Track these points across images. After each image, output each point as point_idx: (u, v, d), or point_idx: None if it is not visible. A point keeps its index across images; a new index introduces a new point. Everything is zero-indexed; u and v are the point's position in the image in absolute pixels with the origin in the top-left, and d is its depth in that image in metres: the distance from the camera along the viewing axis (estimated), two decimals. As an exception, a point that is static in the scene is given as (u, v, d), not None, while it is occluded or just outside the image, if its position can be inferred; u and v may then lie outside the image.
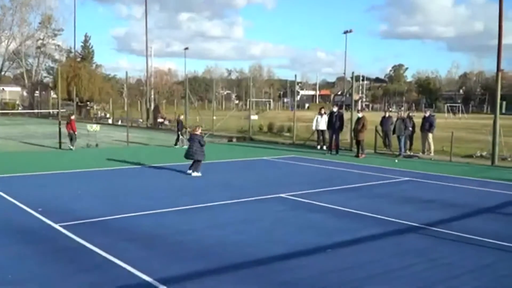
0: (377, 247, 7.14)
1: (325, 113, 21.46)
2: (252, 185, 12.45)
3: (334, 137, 19.78)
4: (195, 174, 13.52)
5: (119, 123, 38.91)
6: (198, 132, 13.99)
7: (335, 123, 19.63)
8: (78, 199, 10.11)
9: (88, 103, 50.76)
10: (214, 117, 29.11)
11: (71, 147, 19.92)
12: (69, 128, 20.07)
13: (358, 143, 18.86)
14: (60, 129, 20.95)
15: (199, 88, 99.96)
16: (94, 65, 66.61)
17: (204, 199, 10.16)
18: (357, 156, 18.62)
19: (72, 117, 20.80)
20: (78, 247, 6.85)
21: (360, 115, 19.13)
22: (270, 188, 11.76)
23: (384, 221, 8.66)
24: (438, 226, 8.29)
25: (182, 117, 22.87)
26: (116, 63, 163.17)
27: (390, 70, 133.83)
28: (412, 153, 19.39)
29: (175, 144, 21.72)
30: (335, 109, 20.26)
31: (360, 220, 8.81)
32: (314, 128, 21.94)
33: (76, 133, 20.19)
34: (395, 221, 8.61)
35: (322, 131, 21.44)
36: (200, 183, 12.56)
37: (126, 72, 25.35)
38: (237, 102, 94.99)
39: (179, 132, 22.04)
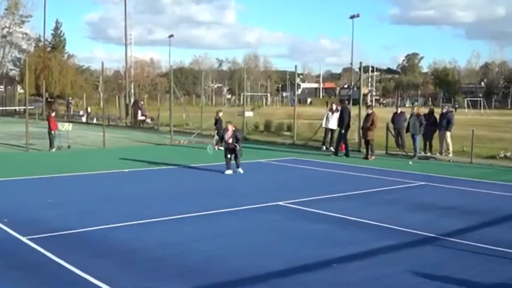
0: (389, 261, 7.18)
1: (337, 109, 21.52)
2: (246, 191, 12.48)
3: (341, 136, 19.81)
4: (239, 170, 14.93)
5: (94, 121, 38.86)
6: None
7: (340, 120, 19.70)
8: (49, 209, 10.11)
9: (70, 98, 50.08)
10: (203, 114, 29.11)
11: (51, 149, 20.09)
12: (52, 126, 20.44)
13: (367, 143, 18.91)
14: (27, 128, 20.92)
15: (185, 81, 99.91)
16: (65, 55, 66.53)
17: (191, 208, 10.17)
18: (366, 157, 18.68)
19: (53, 114, 20.98)
20: (49, 263, 6.85)
21: (369, 111, 19.14)
22: (266, 195, 11.79)
23: (396, 232, 8.71)
24: (456, 237, 8.35)
25: (221, 114, 22.36)
26: (90, 53, 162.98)
27: (403, 60, 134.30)
28: (428, 154, 19.47)
29: (221, 146, 21.07)
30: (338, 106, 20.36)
31: (369, 230, 8.85)
32: (324, 125, 21.72)
33: (53, 131, 20.39)
34: (409, 231, 8.66)
35: (332, 130, 21.40)
36: (186, 190, 12.58)
37: (102, 63, 25.59)
38: (229, 96, 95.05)
39: (221, 131, 21.42)
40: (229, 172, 14.76)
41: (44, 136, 21.43)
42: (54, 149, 20.21)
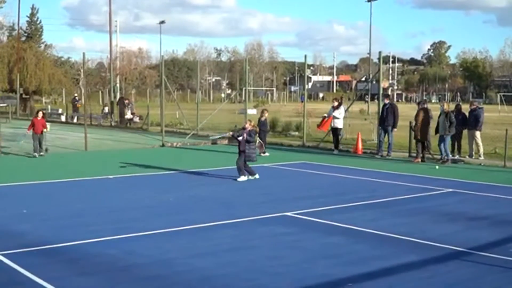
0: (411, 279, 7.24)
1: (339, 105, 21.62)
2: (249, 201, 12.53)
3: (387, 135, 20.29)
4: (240, 179, 14.68)
5: (75, 120, 39.02)
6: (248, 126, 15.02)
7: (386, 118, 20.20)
8: (24, 221, 10.18)
9: (76, 95, 49.12)
10: (199, 112, 29.18)
11: (37, 153, 19.90)
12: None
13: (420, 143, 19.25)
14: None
15: (178, 74, 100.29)
16: (42, 46, 66.71)
17: (186, 220, 10.25)
18: (422, 159, 18.94)
19: (39, 115, 20.23)
20: (25, 282, 6.92)
21: (423, 106, 19.73)
22: (272, 204, 11.85)
23: (419, 245, 8.77)
24: (488, 251, 8.40)
25: (267, 114, 22.33)
26: (70, 42, 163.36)
27: (429, 49, 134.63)
28: (456, 157, 19.50)
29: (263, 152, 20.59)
30: (386, 101, 20.82)
31: (389, 244, 8.91)
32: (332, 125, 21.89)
33: (29, 132, 20.20)
34: (434, 245, 8.72)
35: (336, 129, 21.50)
36: (181, 199, 12.64)
37: (84, 54, 25.50)
38: (229, 91, 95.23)
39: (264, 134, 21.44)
40: (242, 179, 14.73)
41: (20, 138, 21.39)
42: (42, 153, 19.99)
